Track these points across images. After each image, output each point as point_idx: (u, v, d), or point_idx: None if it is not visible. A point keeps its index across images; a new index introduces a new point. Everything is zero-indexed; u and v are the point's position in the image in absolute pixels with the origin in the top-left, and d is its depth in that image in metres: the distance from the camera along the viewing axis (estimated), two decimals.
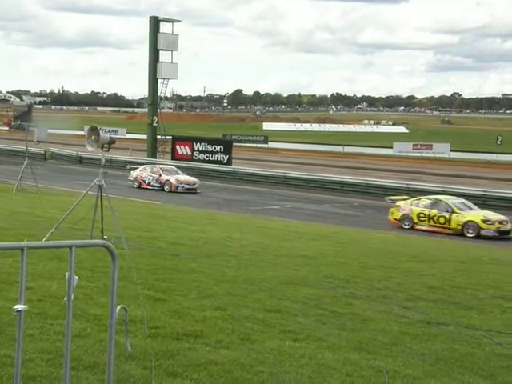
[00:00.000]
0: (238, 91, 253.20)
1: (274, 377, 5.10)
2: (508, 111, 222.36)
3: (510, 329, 7.53)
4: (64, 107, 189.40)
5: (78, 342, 5.33)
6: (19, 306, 2.57)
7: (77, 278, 2.74)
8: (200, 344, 5.76)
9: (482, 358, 6.25)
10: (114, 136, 12.27)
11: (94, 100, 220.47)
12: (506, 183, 37.92)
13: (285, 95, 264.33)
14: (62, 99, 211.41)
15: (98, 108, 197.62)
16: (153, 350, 5.36)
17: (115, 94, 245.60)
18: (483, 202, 28.56)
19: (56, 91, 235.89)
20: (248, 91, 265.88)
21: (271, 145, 68.48)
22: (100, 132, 11.16)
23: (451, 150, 61.51)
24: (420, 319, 7.58)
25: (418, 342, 6.63)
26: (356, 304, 8.08)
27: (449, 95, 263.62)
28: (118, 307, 2.90)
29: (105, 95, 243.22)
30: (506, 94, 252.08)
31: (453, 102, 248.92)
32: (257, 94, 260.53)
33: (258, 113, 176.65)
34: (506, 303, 9.04)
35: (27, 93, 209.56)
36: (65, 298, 2.75)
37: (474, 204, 28.11)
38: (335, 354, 5.90)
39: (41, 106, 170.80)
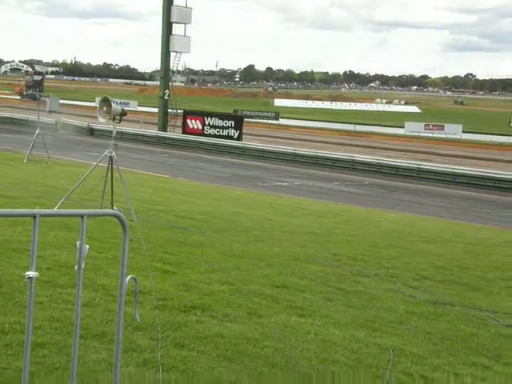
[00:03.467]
0: (251, 67, 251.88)
1: (279, 352, 5.14)
2: None
3: None
4: (76, 78, 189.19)
5: (87, 311, 5.38)
6: (30, 273, 2.60)
7: (88, 247, 2.75)
8: (207, 317, 5.80)
9: (488, 339, 6.27)
10: (125, 108, 12.26)
11: (106, 72, 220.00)
12: None
13: (297, 72, 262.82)
14: (74, 70, 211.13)
15: (110, 80, 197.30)
16: (160, 322, 5.41)
17: (127, 67, 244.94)
18: (494, 184, 28.44)
19: (68, 62, 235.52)
20: (260, 67, 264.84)
21: (282, 121, 68.20)
22: (112, 103, 11.15)
23: (463, 132, 61.11)
24: (426, 299, 7.59)
25: (423, 321, 6.65)
26: (363, 282, 8.10)
27: (463, 76, 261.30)
28: (128, 277, 2.92)
29: (117, 67, 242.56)
30: None
31: (466, 83, 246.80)
32: (269, 70, 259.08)
33: (269, 89, 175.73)
34: None
35: (39, 62, 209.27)
36: (75, 267, 2.77)
37: (485, 186, 28.05)
38: (341, 330, 5.93)
39: (53, 77, 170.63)
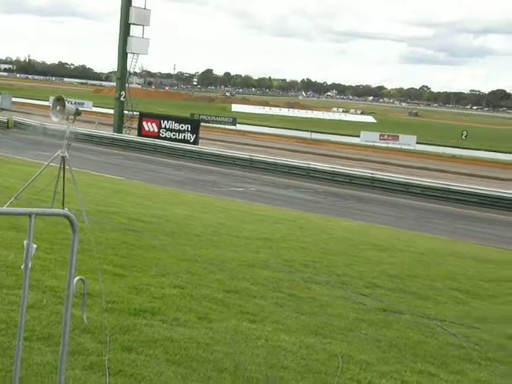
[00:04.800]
0: (209, 71, 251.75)
1: (229, 356, 5.11)
2: (474, 107, 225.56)
3: (463, 319, 7.68)
4: (30, 76, 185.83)
5: (33, 313, 5.26)
6: None
7: (35, 246, 2.68)
8: (157, 321, 5.74)
9: (435, 347, 6.36)
10: (80, 108, 12.08)
11: (60, 71, 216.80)
12: (469, 178, 38.50)
13: (255, 78, 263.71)
14: (27, 68, 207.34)
15: (65, 79, 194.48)
16: (109, 325, 5.32)
17: (83, 66, 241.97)
18: (447, 195, 28.97)
19: (22, 59, 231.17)
20: (219, 71, 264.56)
21: (239, 127, 68.28)
22: (66, 102, 10.97)
23: (417, 143, 62.16)
24: (377, 306, 7.67)
25: (373, 328, 6.71)
26: (314, 289, 8.13)
27: (418, 88, 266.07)
28: (76, 278, 2.86)
29: (72, 66, 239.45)
30: (473, 90, 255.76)
31: (421, 95, 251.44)
32: (227, 74, 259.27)
33: (227, 94, 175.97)
34: (461, 295, 9.22)
35: None
36: (22, 267, 2.69)
37: (437, 197, 28.55)
38: (291, 336, 5.94)
39: (6, 74, 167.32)
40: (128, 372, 4.47)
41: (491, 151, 59.09)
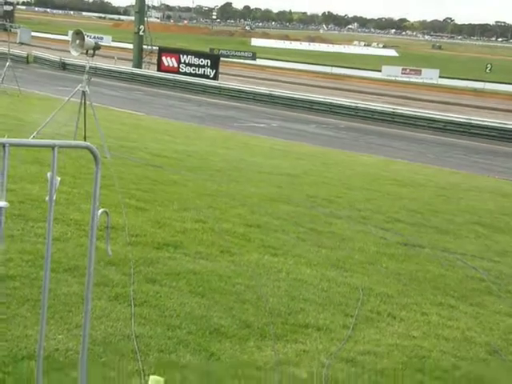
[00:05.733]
0: (228, 4, 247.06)
1: (251, 289, 5.20)
2: (500, 39, 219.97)
3: (483, 253, 7.70)
4: (48, 10, 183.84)
5: (59, 245, 5.36)
6: (0, 203, 2.55)
7: (59, 179, 2.70)
8: (180, 254, 5.82)
9: (455, 280, 6.41)
10: (99, 43, 11.97)
11: (79, 4, 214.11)
12: (491, 112, 37.91)
13: (275, 11, 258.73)
14: (46, 1, 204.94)
15: (83, 13, 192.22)
16: (133, 257, 5.41)
17: (101, 0, 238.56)
18: (468, 129, 28.62)
19: None
20: (238, 5, 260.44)
21: (259, 62, 67.40)
22: (85, 37, 10.87)
23: (440, 77, 61.07)
24: (397, 241, 7.71)
25: (393, 262, 6.76)
26: (336, 223, 8.17)
27: (441, 20, 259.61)
28: (100, 210, 2.89)
29: (90, 0, 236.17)
30: (498, 22, 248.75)
31: (445, 27, 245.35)
32: (247, 8, 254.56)
33: (247, 28, 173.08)
34: (482, 229, 9.21)
35: None
36: (46, 198, 2.72)
37: (458, 132, 28.20)
38: (312, 270, 6.00)
39: (24, 7, 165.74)
40: (152, 303, 4.57)
41: None
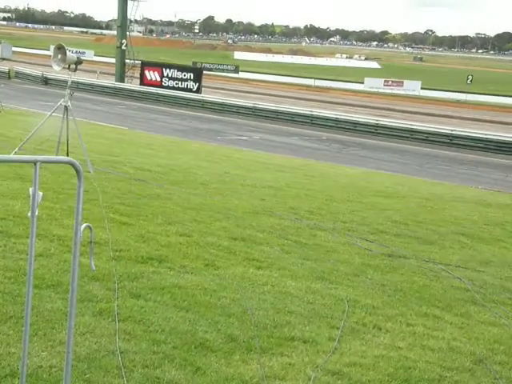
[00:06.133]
0: (210, 18, 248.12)
1: (236, 302, 5.17)
2: (480, 50, 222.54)
3: (467, 263, 7.74)
4: (29, 25, 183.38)
5: (42, 261, 5.31)
6: None
7: (41, 194, 2.68)
8: (164, 268, 5.79)
9: (440, 291, 6.43)
10: (81, 57, 11.96)
11: (60, 19, 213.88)
12: (473, 123, 38.26)
13: (257, 25, 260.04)
14: (27, 16, 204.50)
15: (65, 28, 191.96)
16: (117, 272, 5.37)
17: (83, 15, 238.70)
18: (450, 140, 28.86)
19: (21, 8, 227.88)
20: (220, 18, 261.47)
21: (242, 75, 67.60)
22: (67, 51, 10.84)
23: (422, 88, 61.59)
24: (382, 252, 7.72)
25: (378, 273, 6.77)
26: (320, 235, 8.17)
27: (422, 32, 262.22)
28: (83, 225, 2.86)
29: (72, 15, 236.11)
30: (479, 34, 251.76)
31: (426, 40, 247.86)
32: (229, 21, 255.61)
33: (229, 41, 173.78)
34: (466, 239, 9.26)
35: None
36: (28, 214, 2.70)
37: (441, 143, 28.42)
38: (297, 282, 5.99)
39: (5, 23, 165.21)
40: (137, 318, 4.53)
41: (497, 95, 58.53)
